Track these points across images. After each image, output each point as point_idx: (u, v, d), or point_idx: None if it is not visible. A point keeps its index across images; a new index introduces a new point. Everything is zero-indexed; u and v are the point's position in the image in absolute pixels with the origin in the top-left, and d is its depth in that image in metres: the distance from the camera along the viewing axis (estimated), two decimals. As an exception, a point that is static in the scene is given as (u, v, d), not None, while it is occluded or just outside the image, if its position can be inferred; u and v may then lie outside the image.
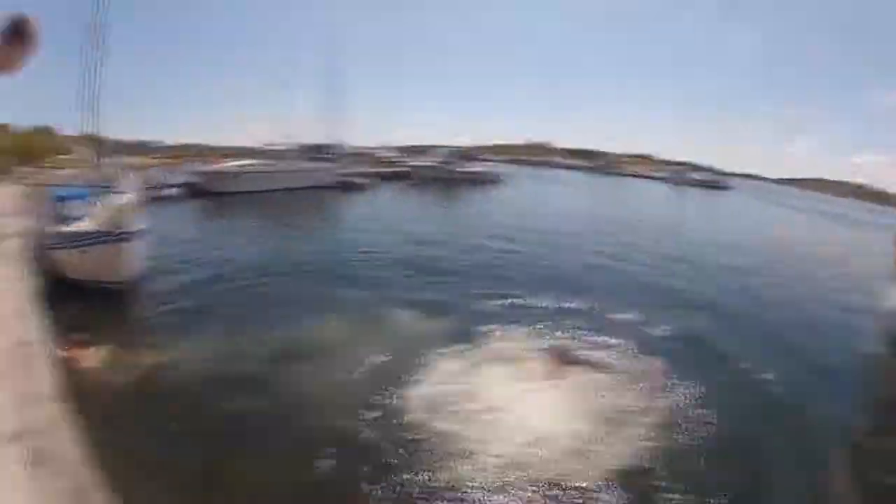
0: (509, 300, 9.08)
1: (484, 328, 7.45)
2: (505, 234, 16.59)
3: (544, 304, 8.96)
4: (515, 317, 8.14)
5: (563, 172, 64.94)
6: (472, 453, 4.58)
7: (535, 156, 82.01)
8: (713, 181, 62.87)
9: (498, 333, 7.34)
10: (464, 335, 7.16)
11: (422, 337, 7.14)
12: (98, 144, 13.28)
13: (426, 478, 4.31)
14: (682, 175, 62.85)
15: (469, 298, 9.12)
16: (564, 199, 34.65)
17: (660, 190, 53.17)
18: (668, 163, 73.66)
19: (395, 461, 4.48)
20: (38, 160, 25.88)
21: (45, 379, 1.83)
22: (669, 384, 6.05)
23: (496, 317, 8.08)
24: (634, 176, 67.93)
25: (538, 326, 7.71)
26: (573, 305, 8.98)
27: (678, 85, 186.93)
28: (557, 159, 77.30)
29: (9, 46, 2.32)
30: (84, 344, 6.41)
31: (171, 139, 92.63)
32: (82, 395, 4.28)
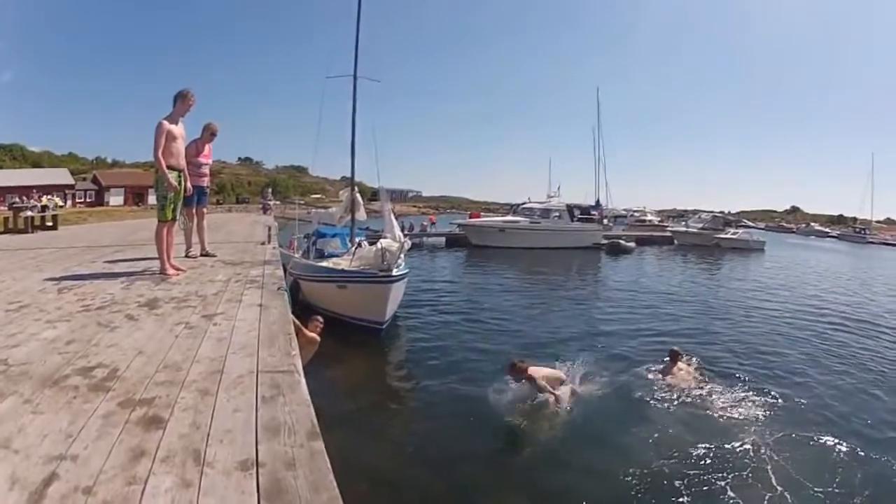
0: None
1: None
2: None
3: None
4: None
5: (823, 241, 56.04)
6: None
7: (791, 222, 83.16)
8: None
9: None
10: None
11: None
12: (355, 189, 12.81)
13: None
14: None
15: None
16: (829, 267, 26.99)
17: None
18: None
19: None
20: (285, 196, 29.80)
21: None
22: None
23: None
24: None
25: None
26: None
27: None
28: (815, 225, 73.29)
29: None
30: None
31: (427, 191, 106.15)
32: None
